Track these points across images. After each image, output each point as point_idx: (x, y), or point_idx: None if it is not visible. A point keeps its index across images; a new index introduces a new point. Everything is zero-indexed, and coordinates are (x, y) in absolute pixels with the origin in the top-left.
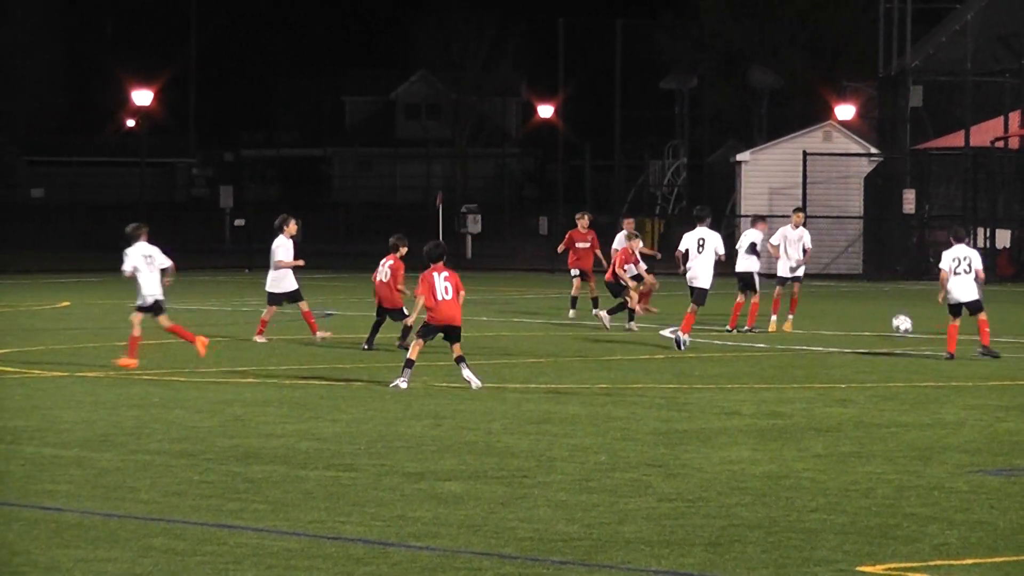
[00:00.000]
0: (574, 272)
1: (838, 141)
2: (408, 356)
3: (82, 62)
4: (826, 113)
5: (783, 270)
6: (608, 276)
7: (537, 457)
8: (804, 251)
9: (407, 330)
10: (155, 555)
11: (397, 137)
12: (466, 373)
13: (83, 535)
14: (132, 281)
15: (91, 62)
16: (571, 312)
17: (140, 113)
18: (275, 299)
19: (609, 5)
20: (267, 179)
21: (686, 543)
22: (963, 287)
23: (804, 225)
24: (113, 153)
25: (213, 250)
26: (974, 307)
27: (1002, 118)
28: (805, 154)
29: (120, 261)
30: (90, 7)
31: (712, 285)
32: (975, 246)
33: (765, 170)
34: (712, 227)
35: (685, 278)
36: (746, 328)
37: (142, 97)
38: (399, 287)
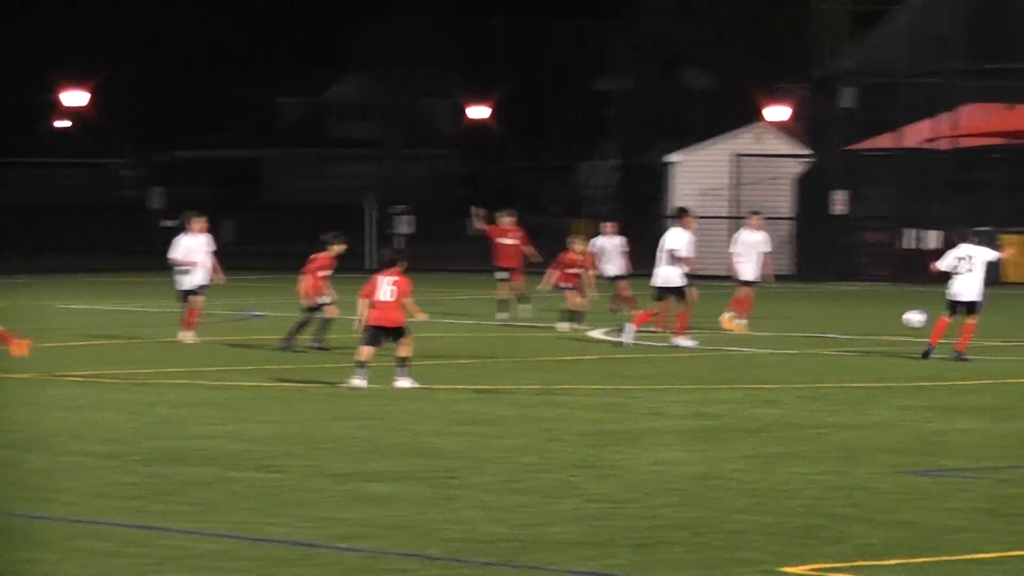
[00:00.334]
0: (500, 276)
1: (769, 142)
2: (357, 359)
3: (13, 62)
4: (758, 114)
5: (748, 273)
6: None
7: (464, 458)
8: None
9: (325, 324)
10: (80, 556)
11: (330, 138)
12: (399, 377)
13: (7, 537)
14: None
15: (23, 62)
16: (515, 312)
17: (73, 114)
18: (188, 294)
19: (543, 6)
20: (200, 181)
21: (612, 544)
22: (967, 285)
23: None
24: (45, 154)
25: (141, 251)
26: (972, 308)
27: (934, 119)
28: (736, 155)
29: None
30: (23, 5)
31: (671, 281)
32: (902, 247)
33: (696, 171)
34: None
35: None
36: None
37: (75, 98)
38: (318, 282)
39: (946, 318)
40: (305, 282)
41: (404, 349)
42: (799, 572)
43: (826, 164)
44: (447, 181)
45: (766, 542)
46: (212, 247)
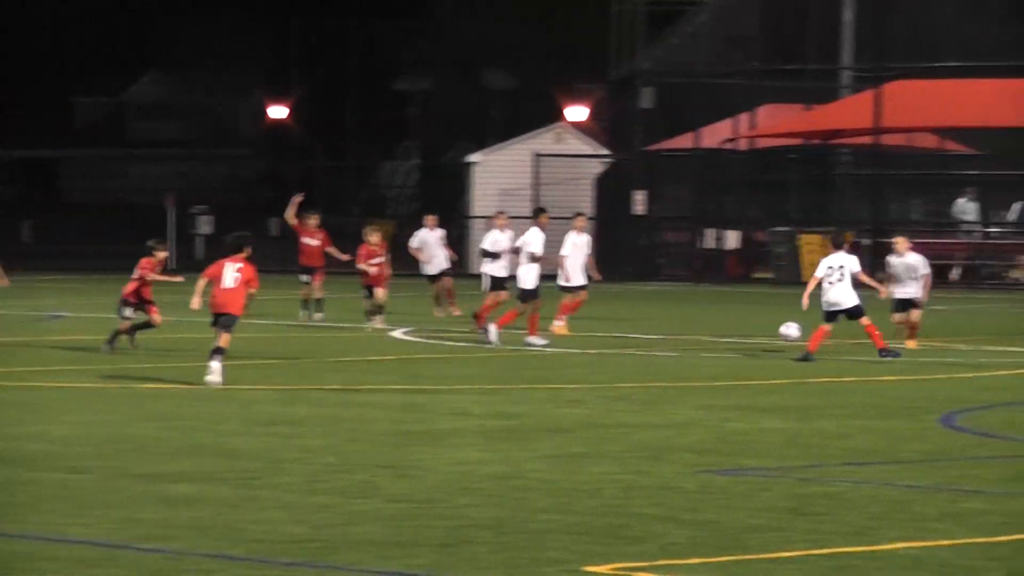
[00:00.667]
0: (304, 278)
1: (570, 142)
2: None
3: None
4: (558, 115)
5: (579, 278)
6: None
7: (267, 459)
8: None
9: (135, 329)
10: None
11: (129, 138)
12: (213, 366)
13: None
14: None
15: None
16: (318, 315)
17: None
18: None
19: (343, 6)
20: None
21: (416, 544)
22: (840, 294)
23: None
24: None
25: None
26: (854, 313)
27: (732, 120)
28: (536, 155)
29: None
30: None
31: (530, 282)
32: (702, 247)
33: (497, 171)
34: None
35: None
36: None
37: None
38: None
39: (825, 326)
40: (129, 286)
41: (224, 339)
42: (603, 571)
43: (626, 164)
44: (247, 181)
45: (570, 541)
46: None
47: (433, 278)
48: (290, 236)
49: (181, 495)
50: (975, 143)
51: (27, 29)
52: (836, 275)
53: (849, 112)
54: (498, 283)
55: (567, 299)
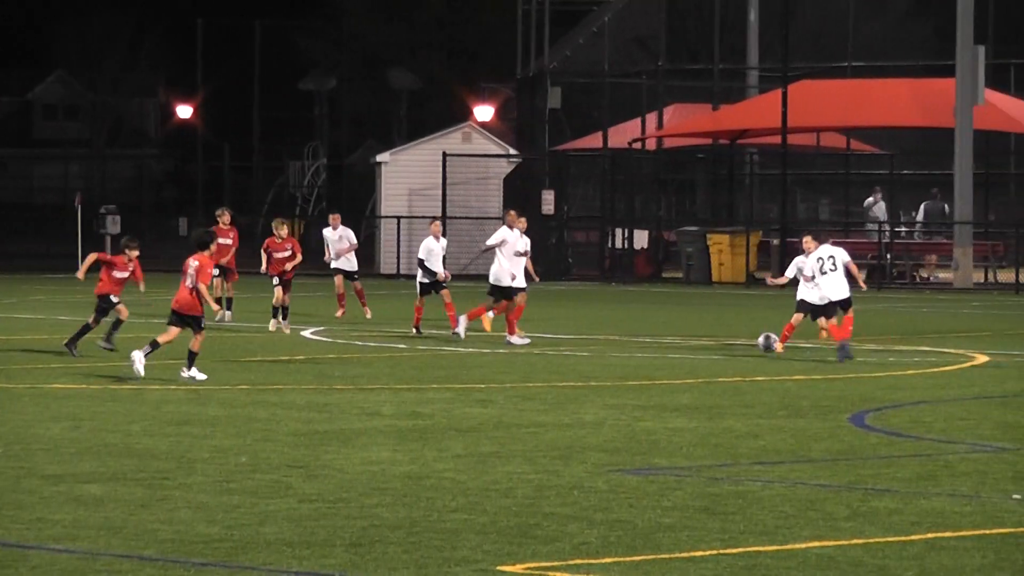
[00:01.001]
0: (215, 275)
1: (477, 142)
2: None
3: None
4: (465, 114)
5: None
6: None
7: (177, 459)
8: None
9: (116, 325)
10: None
11: (34, 138)
12: (186, 374)
13: None
14: None
15: None
16: (225, 314)
17: None
18: None
19: (248, 6)
20: None
21: (327, 544)
22: (834, 285)
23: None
24: None
25: None
26: (846, 304)
27: (640, 119)
28: (445, 155)
29: None
30: None
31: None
32: (613, 247)
33: (405, 171)
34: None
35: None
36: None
37: None
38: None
39: (799, 317)
40: (102, 284)
41: (195, 343)
42: (515, 571)
43: (534, 164)
44: (154, 180)
45: (481, 541)
46: None
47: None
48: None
49: (92, 495)
50: (881, 143)
51: None
52: (828, 265)
53: (756, 112)
54: (425, 289)
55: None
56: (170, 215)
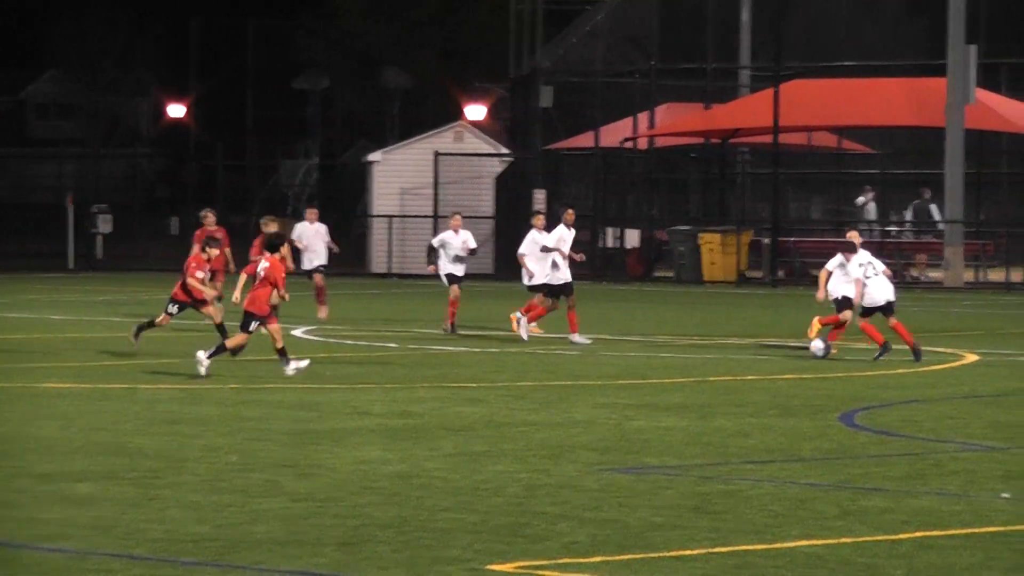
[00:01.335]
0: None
1: (469, 141)
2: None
3: None
4: (458, 114)
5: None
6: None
7: (168, 458)
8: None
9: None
10: None
11: (28, 137)
12: (289, 367)
13: None
14: None
15: None
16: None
17: None
18: None
19: (242, 5)
20: None
21: (318, 543)
22: (882, 288)
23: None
24: None
25: None
26: (888, 309)
27: (632, 119)
28: (436, 154)
29: None
30: None
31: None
32: (603, 246)
33: (397, 170)
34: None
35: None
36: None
37: None
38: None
39: (868, 321)
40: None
41: (276, 340)
42: (505, 570)
43: (526, 163)
44: (147, 180)
45: (472, 540)
46: None
47: (309, 273)
48: (189, 235)
49: (83, 494)
50: (873, 142)
51: None
52: (872, 270)
53: (748, 111)
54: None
55: (536, 299)
56: (162, 214)
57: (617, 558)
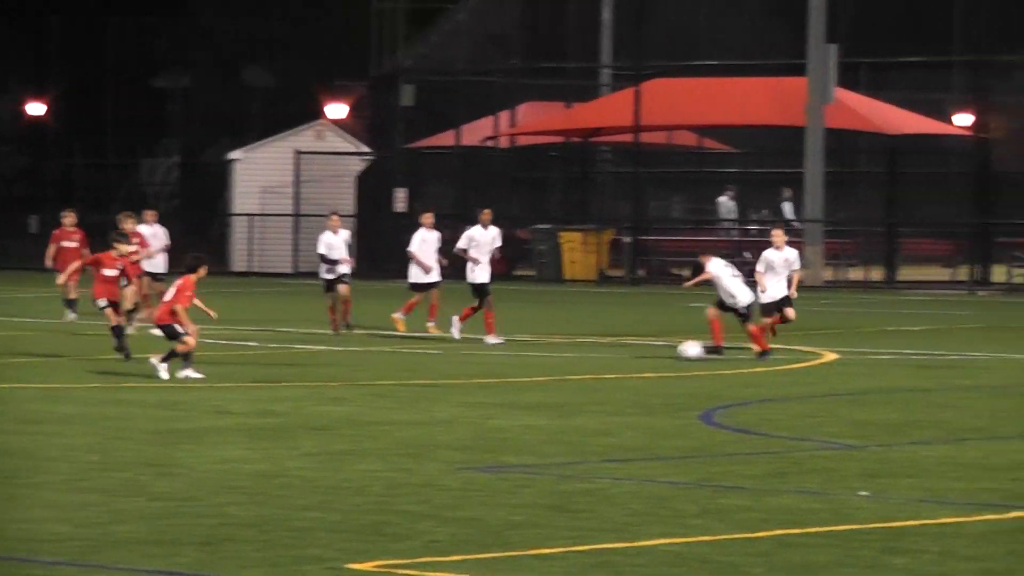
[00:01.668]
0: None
1: (331, 140)
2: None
3: None
4: (319, 112)
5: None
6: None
7: (29, 457)
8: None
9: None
10: None
11: None
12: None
13: None
14: None
15: None
16: (70, 315)
17: None
18: None
19: (102, 3)
20: None
21: (179, 542)
22: (743, 290)
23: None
24: None
25: None
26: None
27: (493, 117)
28: (297, 153)
29: None
30: None
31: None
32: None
33: (258, 169)
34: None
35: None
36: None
37: None
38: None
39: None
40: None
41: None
42: (366, 569)
43: (387, 162)
44: (6, 178)
45: (333, 539)
46: None
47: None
48: (50, 233)
49: None
50: (734, 141)
51: None
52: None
53: (609, 110)
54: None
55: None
56: (21, 213)
57: (478, 557)
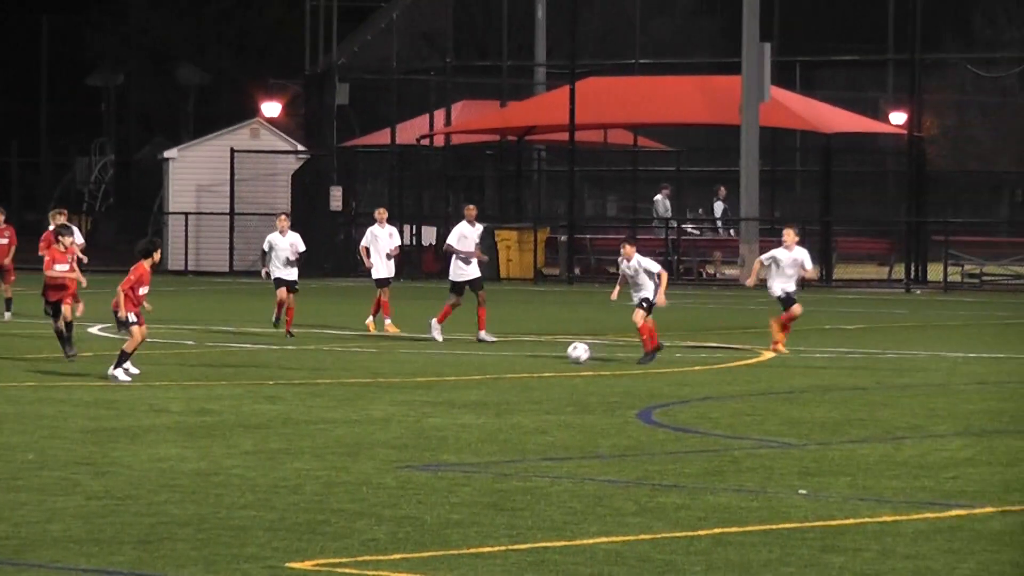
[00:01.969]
0: None
1: (265, 138)
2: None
3: None
4: (254, 111)
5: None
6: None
7: None
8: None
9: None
10: None
11: None
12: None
13: None
14: None
15: None
16: (6, 315)
17: None
18: None
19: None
20: None
21: (116, 541)
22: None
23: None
24: None
25: None
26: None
27: (428, 116)
28: (233, 151)
29: None
30: None
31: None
32: (404, 245)
33: (193, 167)
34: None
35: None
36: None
37: None
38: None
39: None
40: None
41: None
42: (304, 567)
43: (322, 160)
44: None
45: (270, 538)
46: None
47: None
48: None
49: None
50: (669, 140)
51: None
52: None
53: (544, 108)
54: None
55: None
56: None
57: (415, 555)
